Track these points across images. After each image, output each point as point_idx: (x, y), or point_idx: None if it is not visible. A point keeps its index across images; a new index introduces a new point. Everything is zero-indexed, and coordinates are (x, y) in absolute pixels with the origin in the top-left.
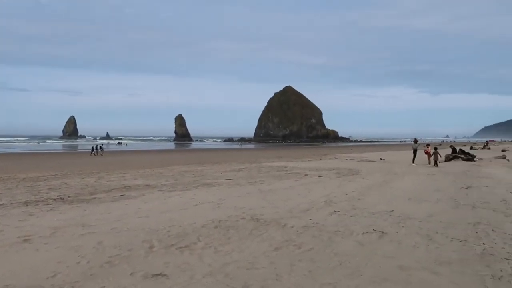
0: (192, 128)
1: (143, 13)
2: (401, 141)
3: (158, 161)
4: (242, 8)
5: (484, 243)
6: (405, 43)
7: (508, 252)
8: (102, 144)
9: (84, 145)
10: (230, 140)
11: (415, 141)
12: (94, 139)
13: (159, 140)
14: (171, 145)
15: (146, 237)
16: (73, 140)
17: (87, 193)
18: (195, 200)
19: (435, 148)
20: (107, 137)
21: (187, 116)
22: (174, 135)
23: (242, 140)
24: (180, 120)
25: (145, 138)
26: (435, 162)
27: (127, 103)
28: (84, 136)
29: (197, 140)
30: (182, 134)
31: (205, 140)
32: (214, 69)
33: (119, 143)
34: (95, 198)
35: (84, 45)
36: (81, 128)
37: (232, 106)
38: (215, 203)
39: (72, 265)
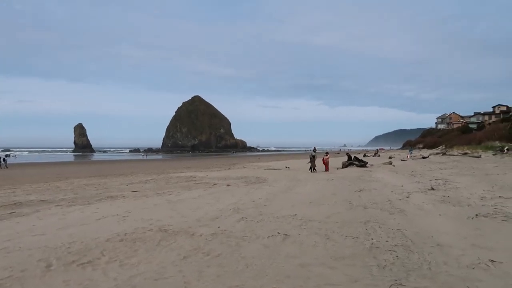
0: (94, 138)
1: (36, 11)
2: (306, 150)
3: (54, 174)
4: (147, 15)
5: (372, 238)
6: (305, 57)
7: (391, 244)
8: (6, 156)
9: None
10: (136, 151)
11: (314, 149)
12: None
13: (56, 151)
14: (69, 156)
15: (42, 255)
16: None
17: None
18: (98, 214)
19: (313, 156)
20: None
21: (88, 125)
22: (73, 146)
23: (149, 150)
24: (80, 130)
25: (40, 149)
26: (312, 168)
27: (16, 110)
28: None
29: (99, 151)
30: (82, 145)
31: (109, 151)
32: (118, 76)
33: (7, 155)
34: None
35: None
36: None
37: (139, 115)
38: (120, 216)
39: None
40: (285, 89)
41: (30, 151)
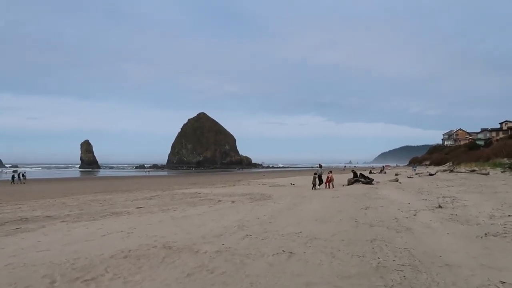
0: (101, 154)
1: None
2: (312, 167)
3: (60, 190)
4: (153, 34)
5: (379, 257)
6: (310, 75)
7: (398, 264)
8: (25, 172)
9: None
10: (142, 167)
11: (320, 166)
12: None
13: (63, 167)
14: (76, 172)
15: (46, 271)
16: None
17: None
18: (102, 230)
19: (315, 173)
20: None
21: (94, 142)
22: (80, 162)
23: (155, 167)
24: (86, 146)
25: (47, 165)
26: (314, 186)
27: (25, 127)
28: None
29: (105, 167)
30: (88, 161)
31: (115, 168)
32: (124, 93)
33: (14, 171)
34: None
35: None
36: None
37: (145, 132)
38: (125, 233)
39: None
40: (290, 106)
41: (42, 167)
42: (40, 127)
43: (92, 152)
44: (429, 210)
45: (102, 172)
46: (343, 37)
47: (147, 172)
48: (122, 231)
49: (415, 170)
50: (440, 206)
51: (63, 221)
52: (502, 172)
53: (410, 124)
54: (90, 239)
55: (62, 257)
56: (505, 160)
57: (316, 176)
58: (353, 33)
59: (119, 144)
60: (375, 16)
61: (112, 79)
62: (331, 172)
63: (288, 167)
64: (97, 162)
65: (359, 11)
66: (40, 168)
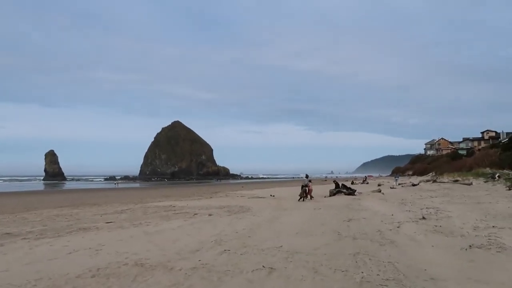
0: (67, 165)
1: (5, 32)
2: (293, 178)
3: (22, 205)
4: (126, 38)
5: (362, 272)
6: (289, 82)
7: (382, 278)
8: None
9: None
10: (112, 178)
11: (306, 176)
12: None
13: (25, 180)
14: (39, 185)
15: None
16: None
17: None
18: (68, 247)
19: (303, 185)
20: None
21: (60, 152)
22: (44, 174)
23: (126, 178)
24: (51, 157)
25: (8, 177)
26: (303, 198)
27: None
28: None
29: (72, 180)
30: (53, 173)
31: (82, 179)
32: (93, 100)
33: None
34: None
35: None
36: None
37: (115, 142)
38: (93, 250)
39: None
40: (269, 114)
41: (1, 179)
42: (1, 136)
43: (58, 163)
44: (413, 221)
45: (68, 185)
46: (322, 43)
47: (116, 185)
48: (90, 248)
49: (397, 180)
50: (424, 218)
51: (24, 238)
52: (485, 182)
53: (392, 133)
54: (55, 258)
55: (22, 278)
56: (488, 170)
57: (306, 188)
58: (335, 39)
59: (87, 154)
60: (357, 24)
61: (80, 84)
62: (310, 181)
63: (267, 178)
64: (63, 173)
65: (340, 18)
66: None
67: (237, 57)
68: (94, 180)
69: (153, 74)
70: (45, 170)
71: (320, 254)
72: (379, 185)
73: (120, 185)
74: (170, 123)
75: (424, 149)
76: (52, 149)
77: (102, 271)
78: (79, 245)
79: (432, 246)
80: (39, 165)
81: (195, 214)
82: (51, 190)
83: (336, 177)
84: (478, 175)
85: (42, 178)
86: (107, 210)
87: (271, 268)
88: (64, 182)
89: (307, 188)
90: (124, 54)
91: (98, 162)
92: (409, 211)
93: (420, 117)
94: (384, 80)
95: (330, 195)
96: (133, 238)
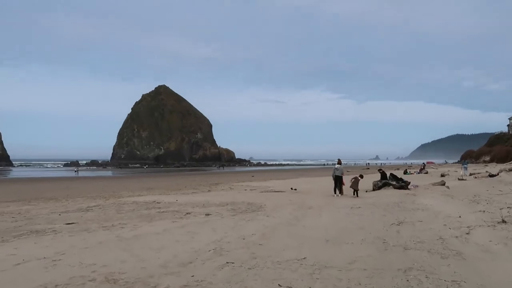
0: (13, 146)
1: None
2: (324, 165)
3: None
4: None
5: None
6: (320, 32)
7: None
8: None
9: None
10: (75, 164)
11: (339, 162)
12: None
13: None
14: None
15: None
16: None
17: None
18: (16, 256)
19: (358, 176)
20: None
21: (4, 128)
22: None
23: (94, 164)
24: None
25: None
26: (355, 191)
27: None
28: None
29: (20, 165)
30: None
31: (35, 165)
32: (49, 57)
33: None
34: None
35: None
36: None
37: (79, 115)
38: (49, 260)
39: None
40: (292, 77)
41: None
42: None
43: (1, 143)
44: (489, 226)
45: (15, 172)
46: None
47: (76, 172)
48: (45, 257)
49: (467, 168)
50: (504, 221)
51: None
52: None
53: (463, 103)
54: None
55: None
56: None
57: (356, 179)
58: None
59: (41, 131)
60: None
61: (31, 34)
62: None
63: (288, 164)
64: (8, 157)
65: None
66: None
67: None
68: (50, 166)
69: (130, 19)
70: None
71: (357, 269)
72: (442, 175)
73: (82, 173)
74: (153, 89)
75: (508, 125)
76: None
77: None
78: (31, 253)
79: None
80: None
81: (187, 213)
82: None
83: (382, 164)
84: None
85: None
86: (68, 206)
87: (290, 287)
88: (10, 168)
89: (354, 178)
90: None
91: (55, 143)
92: (484, 211)
93: (503, 81)
94: (455, 29)
95: (373, 189)
96: (103, 245)
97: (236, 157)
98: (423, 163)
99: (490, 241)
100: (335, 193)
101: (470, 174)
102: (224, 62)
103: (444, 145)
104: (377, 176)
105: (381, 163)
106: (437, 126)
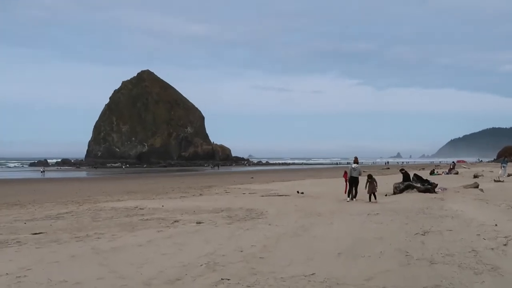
0: None
1: None
2: (337, 163)
3: None
4: None
5: None
6: (334, 5)
7: None
8: None
9: None
10: (42, 163)
11: (355, 161)
12: None
13: None
14: None
15: None
16: None
17: None
18: None
19: (370, 176)
20: None
21: None
22: None
23: (66, 163)
24: None
25: None
26: (372, 195)
27: None
28: None
29: None
30: None
31: None
32: (14, 37)
33: None
34: None
35: None
36: None
37: (48, 105)
38: (13, 276)
39: None
40: (299, 60)
41: None
42: None
43: None
44: None
45: None
46: None
47: (42, 173)
48: (7, 273)
49: (505, 168)
50: None
51: None
52: None
53: (501, 91)
54: None
55: None
56: None
57: (372, 180)
58: None
59: (3, 124)
60: None
61: None
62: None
63: (295, 163)
64: None
65: None
66: None
67: None
68: (13, 166)
69: None
70: None
71: (375, 287)
72: (475, 176)
73: (51, 174)
74: (135, 75)
75: None
76: None
77: None
78: None
79: None
80: None
81: (175, 221)
82: None
83: (404, 163)
84: None
85: None
86: (34, 213)
87: None
88: None
89: (371, 181)
90: None
91: (20, 138)
92: None
93: None
94: (491, 2)
95: (394, 193)
96: (76, 258)
97: (233, 155)
98: (453, 162)
99: None
100: (348, 197)
101: (509, 175)
102: (217, 43)
103: (478, 141)
104: (399, 177)
105: (403, 162)
106: (470, 118)
